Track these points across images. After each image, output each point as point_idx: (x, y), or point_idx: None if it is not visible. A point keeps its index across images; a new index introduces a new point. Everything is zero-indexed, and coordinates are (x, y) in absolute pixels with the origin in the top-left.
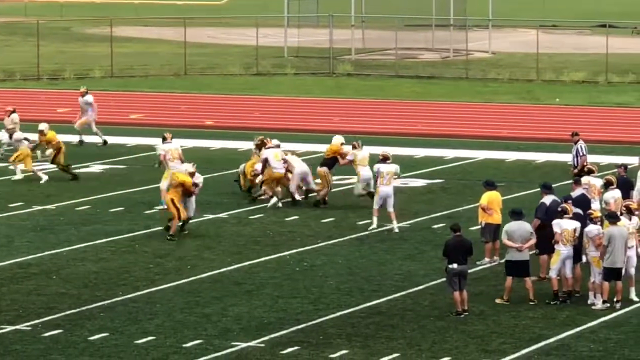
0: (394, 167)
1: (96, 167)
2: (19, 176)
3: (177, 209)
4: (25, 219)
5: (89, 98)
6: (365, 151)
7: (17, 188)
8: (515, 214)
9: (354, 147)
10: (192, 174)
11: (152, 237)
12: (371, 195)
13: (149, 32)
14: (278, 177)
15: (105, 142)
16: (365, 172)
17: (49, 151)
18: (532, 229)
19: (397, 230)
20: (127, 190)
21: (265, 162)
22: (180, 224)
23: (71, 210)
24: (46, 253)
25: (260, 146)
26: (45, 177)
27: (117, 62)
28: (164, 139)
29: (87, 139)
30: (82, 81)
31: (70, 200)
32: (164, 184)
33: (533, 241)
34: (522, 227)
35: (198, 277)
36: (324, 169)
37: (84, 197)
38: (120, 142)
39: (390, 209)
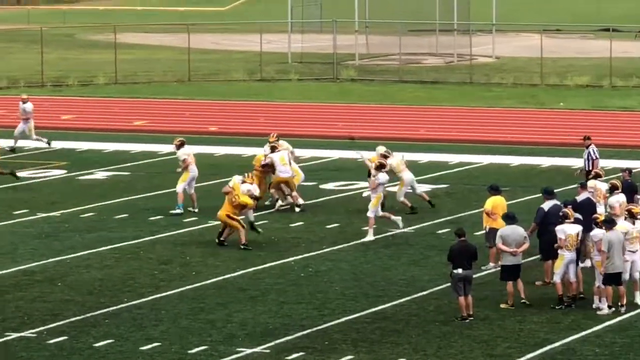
0: (383, 178)
1: (100, 174)
2: None
3: (236, 220)
4: (30, 226)
5: (29, 106)
6: (398, 156)
7: (21, 195)
8: (509, 219)
9: (385, 157)
10: (251, 194)
11: (157, 243)
12: (414, 209)
13: (152, 39)
14: (284, 180)
15: (13, 150)
16: (407, 175)
17: None
18: (527, 234)
19: (401, 223)
20: (132, 197)
21: (272, 165)
22: (221, 230)
23: (75, 217)
24: (50, 260)
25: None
26: None
27: (121, 69)
28: (183, 144)
29: (16, 142)
30: (86, 88)
31: (74, 208)
32: (180, 187)
33: (527, 245)
34: (516, 232)
35: (203, 283)
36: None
37: (88, 204)
38: (124, 148)
39: (382, 212)
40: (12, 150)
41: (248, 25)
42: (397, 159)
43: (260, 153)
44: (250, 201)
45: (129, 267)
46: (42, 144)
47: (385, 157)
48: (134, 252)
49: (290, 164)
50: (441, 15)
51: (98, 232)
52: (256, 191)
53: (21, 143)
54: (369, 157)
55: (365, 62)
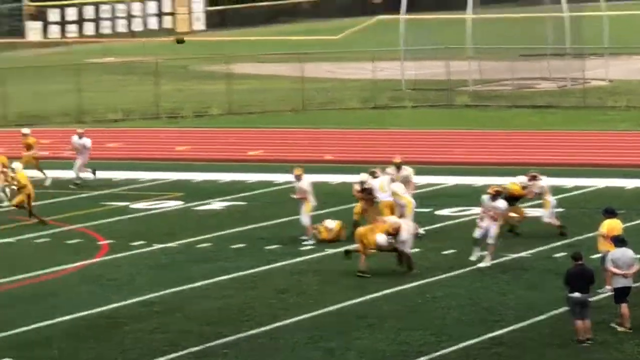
0: (503, 205)
1: (216, 204)
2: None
3: (364, 245)
4: (147, 257)
5: (87, 142)
6: (546, 180)
7: (138, 227)
8: (618, 242)
9: (534, 179)
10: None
11: (273, 272)
12: (563, 229)
13: (266, 69)
14: (387, 205)
15: (77, 184)
16: (552, 199)
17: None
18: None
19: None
20: (248, 227)
21: (370, 192)
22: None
23: (192, 247)
24: (168, 291)
25: (399, 165)
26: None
27: (235, 99)
28: (303, 174)
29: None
30: (200, 119)
31: (191, 238)
32: (306, 220)
33: (637, 267)
34: (626, 254)
35: (321, 311)
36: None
37: (204, 235)
38: (239, 178)
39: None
40: (90, 177)
41: (361, 53)
42: (547, 183)
43: (356, 179)
44: (370, 240)
45: (247, 297)
46: (76, 180)
47: (534, 177)
48: (251, 281)
49: (387, 189)
50: (553, 40)
51: (215, 262)
52: (385, 244)
53: (130, 175)
54: (508, 184)
55: (479, 87)
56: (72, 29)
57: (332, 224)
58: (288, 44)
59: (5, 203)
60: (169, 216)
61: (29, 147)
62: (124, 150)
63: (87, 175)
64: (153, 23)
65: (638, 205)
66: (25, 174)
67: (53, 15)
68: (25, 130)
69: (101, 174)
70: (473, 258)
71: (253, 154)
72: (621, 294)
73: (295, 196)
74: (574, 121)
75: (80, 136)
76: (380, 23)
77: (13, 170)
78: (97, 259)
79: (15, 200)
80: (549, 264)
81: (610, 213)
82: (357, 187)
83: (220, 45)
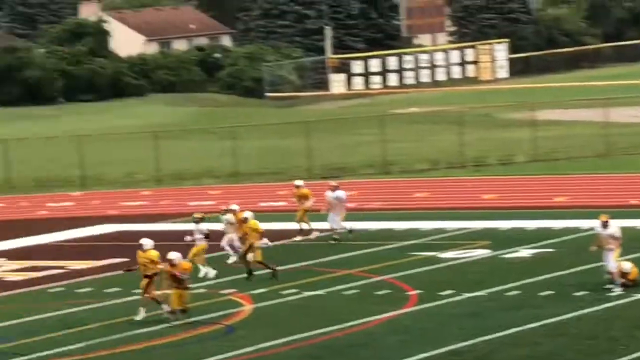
0: None
1: (524, 252)
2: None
3: None
4: (456, 307)
5: (340, 194)
6: None
7: (447, 276)
8: None
9: None
10: None
11: (582, 319)
12: None
13: (569, 115)
14: None
15: (337, 239)
16: None
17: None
18: None
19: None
20: (557, 274)
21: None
22: None
23: (501, 295)
24: (478, 340)
25: None
26: (212, 273)
27: (540, 146)
28: (607, 222)
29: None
30: (506, 167)
31: (499, 286)
32: (614, 265)
33: None
34: None
35: (631, 356)
36: None
37: (513, 282)
38: (546, 225)
39: None
40: (336, 240)
41: None
42: None
43: None
44: None
45: (556, 344)
46: (342, 230)
47: None
48: (561, 328)
49: None
50: None
51: (524, 309)
52: None
53: (437, 224)
54: None
55: None
56: (375, 80)
57: (627, 266)
58: (590, 90)
59: (232, 259)
60: (478, 265)
61: (302, 198)
62: (430, 200)
63: (340, 228)
64: (456, 72)
65: None
66: (257, 223)
67: (356, 67)
68: (298, 182)
69: (408, 224)
70: None
71: (559, 201)
72: None
73: (609, 246)
74: None
75: (334, 189)
76: None
77: (246, 219)
78: (406, 310)
79: (257, 257)
80: None
81: None
82: None
83: (523, 92)
